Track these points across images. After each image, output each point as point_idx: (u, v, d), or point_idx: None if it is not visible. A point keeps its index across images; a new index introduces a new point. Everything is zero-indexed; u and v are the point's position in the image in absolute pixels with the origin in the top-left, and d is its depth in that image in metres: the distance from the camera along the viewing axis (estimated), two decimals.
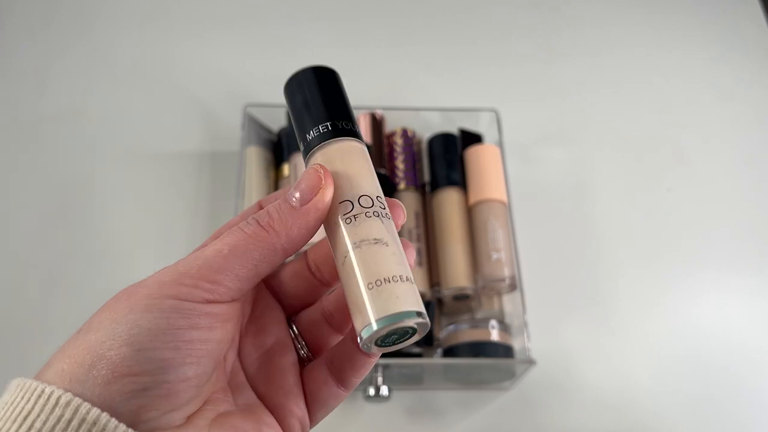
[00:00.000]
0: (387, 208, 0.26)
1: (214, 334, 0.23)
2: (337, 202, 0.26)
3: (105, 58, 0.81)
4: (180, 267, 0.24)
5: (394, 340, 0.25)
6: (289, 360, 0.28)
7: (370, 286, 0.24)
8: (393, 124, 0.72)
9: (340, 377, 0.27)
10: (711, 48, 0.88)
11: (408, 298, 0.24)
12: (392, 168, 0.68)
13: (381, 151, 0.69)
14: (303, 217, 0.24)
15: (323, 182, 0.25)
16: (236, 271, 0.23)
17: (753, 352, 0.66)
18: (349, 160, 0.26)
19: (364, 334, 0.24)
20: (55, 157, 0.73)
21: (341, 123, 0.27)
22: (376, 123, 0.70)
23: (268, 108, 0.71)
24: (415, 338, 0.25)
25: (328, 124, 0.27)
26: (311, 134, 0.27)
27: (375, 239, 0.25)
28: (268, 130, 0.72)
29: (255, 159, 0.67)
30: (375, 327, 0.23)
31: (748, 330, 0.68)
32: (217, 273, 0.23)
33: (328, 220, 0.26)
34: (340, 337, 0.29)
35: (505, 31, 0.88)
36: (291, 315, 0.30)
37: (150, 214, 0.70)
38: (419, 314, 0.24)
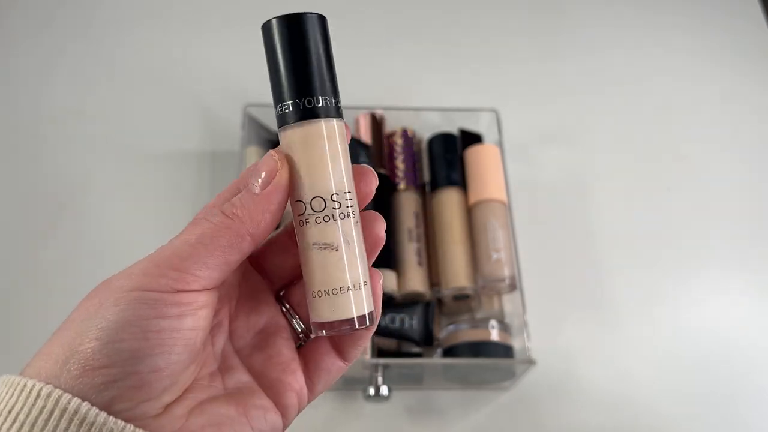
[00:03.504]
0: (350, 201, 0.26)
1: (185, 323, 0.24)
2: (293, 200, 0.26)
3: (105, 58, 0.81)
4: (149, 258, 0.24)
5: (346, 330, 0.26)
6: (283, 336, 0.29)
7: (314, 294, 0.26)
8: (393, 124, 0.72)
9: (340, 349, 0.28)
10: (711, 48, 0.88)
11: (345, 308, 0.25)
12: (392, 168, 0.68)
13: (381, 151, 0.69)
14: (264, 200, 0.25)
15: (279, 165, 0.25)
16: (204, 259, 0.24)
17: (753, 351, 0.66)
18: (304, 152, 0.25)
19: (312, 330, 0.27)
20: (55, 157, 0.73)
21: (303, 101, 0.25)
22: (376, 123, 0.70)
23: (268, 108, 0.71)
24: (364, 329, 0.27)
25: (289, 104, 0.25)
26: (276, 110, 0.26)
27: (324, 244, 0.25)
28: (268, 130, 0.72)
29: (255, 159, 0.67)
30: (314, 332, 0.26)
31: (748, 329, 0.67)
32: (184, 261, 0.24)
33: (291, 215, 0.27)
34: None
35: (506, 31, 0.88)
36: (280, 289, 0.30)
37: (150, 214, 0.70)
38: (350, 321, 0.25)
